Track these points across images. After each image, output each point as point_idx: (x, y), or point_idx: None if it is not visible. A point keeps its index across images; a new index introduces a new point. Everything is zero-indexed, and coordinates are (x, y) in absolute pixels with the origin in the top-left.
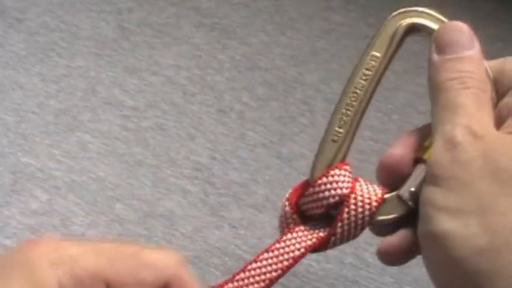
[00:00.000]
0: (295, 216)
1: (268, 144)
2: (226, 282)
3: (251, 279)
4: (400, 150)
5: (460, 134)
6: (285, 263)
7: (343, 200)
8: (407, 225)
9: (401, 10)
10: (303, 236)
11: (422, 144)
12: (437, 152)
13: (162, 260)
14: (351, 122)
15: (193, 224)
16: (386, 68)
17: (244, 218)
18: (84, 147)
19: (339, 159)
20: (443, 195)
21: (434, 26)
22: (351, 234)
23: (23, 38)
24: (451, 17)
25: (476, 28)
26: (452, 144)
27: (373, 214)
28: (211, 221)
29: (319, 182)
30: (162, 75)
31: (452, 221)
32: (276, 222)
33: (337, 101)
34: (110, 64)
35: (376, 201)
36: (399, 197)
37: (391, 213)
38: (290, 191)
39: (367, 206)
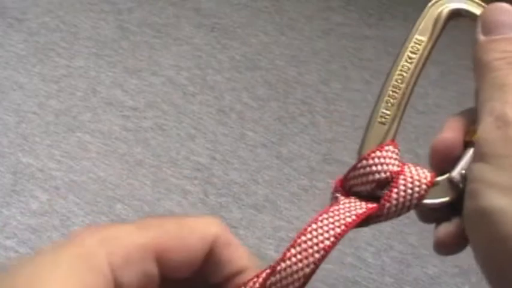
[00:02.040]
0: (340, 189)
1: (268, 144)
2: (278, 262)
3: (304, 253)
4: (451, 133)
5: (511, 112)
6: (337, 230)
7: (391, 179)
8: (457, 213)
9: None
10: (351, 207)
11: (471, 127)
12: (487, 129)
13: (204, 224)
14: (399, 104)
15: None
16: (430, 51)
17: (244, 218)
18: (84, 148)
19: (388, 140)
20: (494, 173)
21: (476, 11)
22: (395, 214)
23: (23, 38)
24: None
25: (475, 28)
26: (503, 121)
27: (422, 197)
28: None
29: (372, 155)
30: (162, 75)
31: (503, 198)
32: (275, 222)
33: (383, 84)
34: (110, 64)
35: (425, 184)
36: (450, 180)
37: (443, 197)
38: (334, 182)
39: (416, 188)
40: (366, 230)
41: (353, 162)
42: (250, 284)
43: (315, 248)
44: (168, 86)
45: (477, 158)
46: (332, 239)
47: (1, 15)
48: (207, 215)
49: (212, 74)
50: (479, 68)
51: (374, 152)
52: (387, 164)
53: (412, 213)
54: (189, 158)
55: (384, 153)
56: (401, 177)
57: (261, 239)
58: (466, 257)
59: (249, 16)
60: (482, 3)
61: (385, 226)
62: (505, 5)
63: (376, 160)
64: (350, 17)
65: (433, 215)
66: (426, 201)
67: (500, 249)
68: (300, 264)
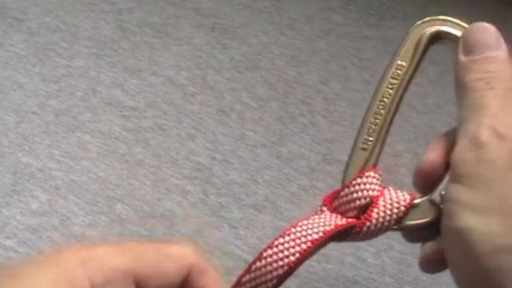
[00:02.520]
0: (328, 205)
1: (268, 144)
2: (243, 274)
3: (268, 267)
4: (433, 155)
5: (484, 134)
6: (303, 246)
7: (371, 203)
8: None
9: (426, 19)
10: (320, 222)
11: (453, 147)
12: (461, 150)
13: (181, 251)
14: (380, 130)
15: (193, 224)
16: (412, 76)
17: (244, 218)
18: (84, 148)
19: (370, 165)
20: (467, 193)
21: (458, 33)
22: (373, 234)
23: (23, 38)
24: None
25: None
26: (476, 143)
27: (400, 218)
28: (211, 221)
29: (353, 182)
30: (162, 75)
31: (475, 218)
32: (275, 222)
33: (366, 110)
34: (110, 64)
35: (404, 205)
36: (431, 201)
37: (424, 218)
38: (323, 198)
39: (395, 210)
40: None
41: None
42: None
43: (280, 263)
44: (168, 86)
45: (452, 178)
46: (297, 255)
47: (1, 15)
48: (208, 215)
49: (212, 74)
50: (459, 89)
51: (355, 179)
52: (367, 190)
53: None
54: (189, 158)
55: (365, 180)
56: (381, 198)
57: (261, 239)
58: None
59: (249, 16)
60: (465, 25)
61: None
62: (485, 24)
63: (357, 187)
64: (350, 17)
65: (418, 235)
66: (407, 222)
67: (474, 268)
68: (263, 278)
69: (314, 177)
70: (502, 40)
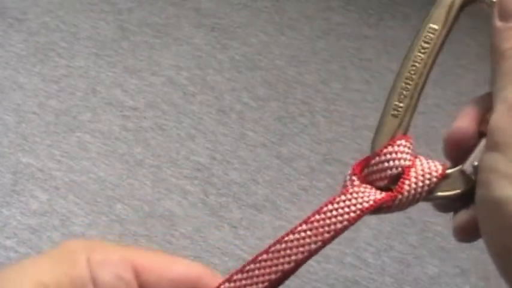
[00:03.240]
0: (357, 174)
1: (268, 144)
2: (287, 234)
3: (314, 231)
4: (465, 122)
5: None
6: (352, 214)
7: (403, 173)
8: (473, 201)
9: None
10: (359, 198)
11: (486, 116)
12: (499, 118)
13: (190, 262)
14: (411, 96)
15: (193, 224)
16: (444, 40)
17: (244, 218)
18: (84, 148)
19: (401, 133)
20: (505, 162)
21: None
22: (405, 205)
23: (23, 38)
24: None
25: (476, 28)
26: None
27: (432, 189)
28: (211, 221)
29: (384, 151)
30: (162, 75)
31: None
32: (275, 222)
33: (396, 75)
34: (110, 64)
35: (436, 176)
36: (463, 172)
37: (455, 189)
38: (353, 164)
39: (427, 181)
40: (366, 230)
41: (353, 162)
42: None
43: (326, 228)
44: (168, 86)
45: (489, 147)
46: (345, 222)
47: (1, 15)
48: (210, 215)
49: (212, 74)
50: (495, 55)
51: (386, 147)
52: (399, 159)
53: (412, 213)
54: (189, 158)
55: (396, 148)
56: (413, 169)
57: (261, 239)
58: (466, 257)
59: (249, 16)
60: None
61: (385, 226)
62: None
63: (388, 156)
64: (350, 17)
65: (449, 205)
66: (438, 193)
67: (508, 238)
68: (307, 240)
69: (314, 177)
70: None
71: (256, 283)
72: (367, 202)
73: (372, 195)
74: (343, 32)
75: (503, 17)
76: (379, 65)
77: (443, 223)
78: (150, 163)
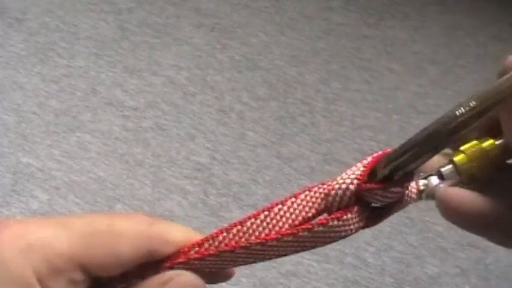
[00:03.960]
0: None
1: (268, 144)
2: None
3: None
4: None
5: None
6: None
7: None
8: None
9: None
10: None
11: (458, 145)
12: None
13: (135, 228)
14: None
15: (193, 224)
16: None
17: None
18: (84, 147)
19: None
20: None
21: None
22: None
23: (23, 38)
24: (451, 18)
25: (476, 28)
26: None
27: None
28: (211, 221)
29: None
30: (162, 75)
31: None
32: None
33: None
34: (110, 64)
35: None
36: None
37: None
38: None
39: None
40: (366, 230)
41: (353, 162)
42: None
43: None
44: (168, 86)
45: None
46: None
47: (1, 15)
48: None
49: (212, 74)
50: None
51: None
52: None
53: (412, 214)
54: (189, 158)
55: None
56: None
57: None
58: (466, 257)
59: (249, 16)
60: None
61: (385, 226)
62: None
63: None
64: (350, 17)
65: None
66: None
67: None
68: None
69: (314, 177)
70: None
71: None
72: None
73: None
74: (343, 32)
75: None
76: (379, 65)
77: (443, 223)
78: (150, 163)
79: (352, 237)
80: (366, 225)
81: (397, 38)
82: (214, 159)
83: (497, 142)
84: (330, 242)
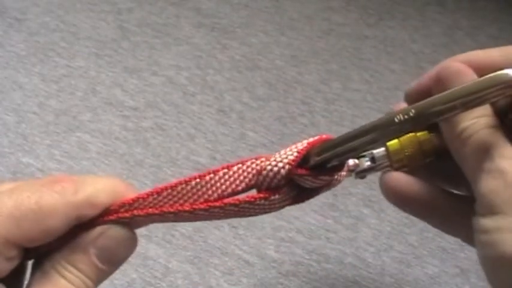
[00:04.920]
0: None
1: (268, 144)
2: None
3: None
4: (427, 80)
5: (505, 164)
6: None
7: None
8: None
9: None
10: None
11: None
12: (486, 183)
13: (62, 201)
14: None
15: (193, 224)
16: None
17: (244, 218)
18: (84, 147)
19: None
20: (508, 219)
21: None
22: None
23: (23, 38)
24: (451, 18)
25: (476, 28)
26: (499, 172)
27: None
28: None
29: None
30: (162, 75)
31: None
32: (275, 222)
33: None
34: (110, 64)
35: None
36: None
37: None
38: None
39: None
40: (366, 230)
41: (353, 162)
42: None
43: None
44: (168, 86)
45: (485, 211)
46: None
47: (1, 15)
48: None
49: (212, 74)
50: (457, 140)
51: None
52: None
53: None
54: (189, 158)
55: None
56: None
57: (261, 239)
58: (466, 257)
59: (249, 16)
60: None
61: (385, 226)
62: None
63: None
64: (350, 17)
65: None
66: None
67: None
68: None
69: None
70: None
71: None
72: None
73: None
74: (343, 32)
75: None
76: (379, 65)
77: None
78: (150, 163)
79: (352, 237)
80: (292, 203)
81: (397, 38)
82: (214, 159)
83: (430, 134)
84: (255, 215)
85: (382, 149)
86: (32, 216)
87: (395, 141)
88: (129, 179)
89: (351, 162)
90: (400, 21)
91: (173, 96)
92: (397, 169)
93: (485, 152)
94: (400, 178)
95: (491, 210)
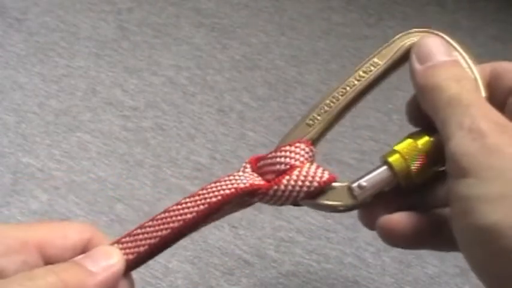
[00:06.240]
0: (252, 164)
1: (268, 144)
2: (146, 222)
3: (176, 216)
4: None
5: (483, 123)
6: (213, 199)
7: (289, 170)
8: (407, 207)
9: (415, 30)
10: (239, 179)
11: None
12: (460, 143)
13: (80, 224)
14: (330, 113)
15: None
16: (382, 76)
17: (244, 218)
18: (84, 147)
19: (306, 139)
20: (481, 186)
21: None
22: (280, 200)
23: (23, 38)
24: (451, 18)
25: (476, 28)
26: (478, 133)
27: (312, 194)
28: None
29: (282, 148)
30: (162, 75)
31: (498, 211)
32: (275, 222)
33: (326, 92)
34: (110, 64)
35: (318, 182)
36: (349, 189)
37: (338, 201)
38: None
39: (306, 183)
40: (366, 230)
41: (353, 162)
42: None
43: (203, 201)
44: (168, 86)
45: (457, 174)
46: (219, 197)
47: (1, 15)
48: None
49: (212, 74)
50: (429, 92)
51: (285, 146)
52: (290, 158)
53: None
54: (189, 158)
55: (292, 148)
56: (298, 169)
57: (261, 239)
58: None
59: (249, 16)
60: (453, 42)
61: None
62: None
63: (283, 153)
64: (350, 17)
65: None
66: (321, 200)
67: (502, 264)
68: (186, 210)
69: None
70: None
71: (138, 246)
72: (244, 184)
73: (251, 180)
74: (343, 32)
75: (420, 61)
76: None
77: None
78: (150, 163)
79: (352, 237)
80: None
81: None
82: (214, 159)
83: (431, 139)
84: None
85: (384, 167)
86: (52, 224)
87: (395, 155)
88: (129, 179)
89: (354, 185)
90: (400, 21)
91: (173, 96)
92: (404, 185)
93: (466, 107)
94: (391, 221)
95: (464, 174)
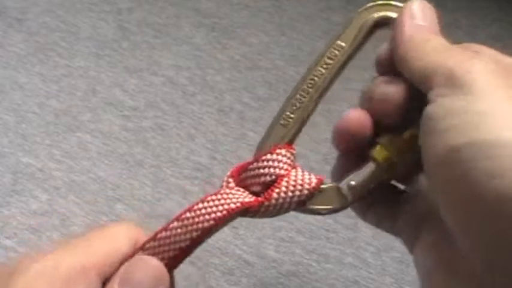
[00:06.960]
0: (235, 177)
1: None
2: (160, 230)
3: (184, 229)
4: (359, 113)
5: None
6: (218, 214)
7: (276, 181)
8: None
9: (373, 4)
10: (236, 195)
11: (374, 139)
12: (459, 55)
13: (123, 228)
14: (304, 109)
15: None
16: (349, 59)
17: (244, 218)
18: (84, 147)
19: (285, 142)
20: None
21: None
22: (273, 213)
23: (23, 38)
24: (451, 17)
25: (476, 27)
26: (475, 51)
27: (303, 201)
28: None
29: (263, 158)
30: (162, 75)
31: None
32: (275, 222)
33: (295, 86)
34: (110, 64)
35: (308, 189)
36: (338, 189)
37: (328, 204)
38: (231, 169)
39: (297, 192)
40: (366, 230)
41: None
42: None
43: (195, 226)
44: (168, 86)
45: (440, 79)
46: (212, 221)
47: (1, 15)
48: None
49: (212, 74)
50: (411, 58)
51: (265, 154)
52: (274, 167)
53: None
54: (189, 158)
55: (274, 157)
56: (285, 179)
57: (261, 239)
58: None
59: (249, 16)
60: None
61: None
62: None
63: (265, 163)
64: (350, 17)
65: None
66: (311, 206)
67: (463, 189)
68: (177, 238)
69: None
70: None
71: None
72: (234, 203)
73: (241, 197)
74: None
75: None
76: None
77: None
78: (150, 163)
79: (352, 237)
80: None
81: None
82: (214, 159)
83: (411, 130)
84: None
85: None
86: (102, 246)
87: (377, 148)
88: (129, 179)
89: (342, 184)
90: None
91: (173, 96)
92: (386, 170)
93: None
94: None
95: (448, 82)
